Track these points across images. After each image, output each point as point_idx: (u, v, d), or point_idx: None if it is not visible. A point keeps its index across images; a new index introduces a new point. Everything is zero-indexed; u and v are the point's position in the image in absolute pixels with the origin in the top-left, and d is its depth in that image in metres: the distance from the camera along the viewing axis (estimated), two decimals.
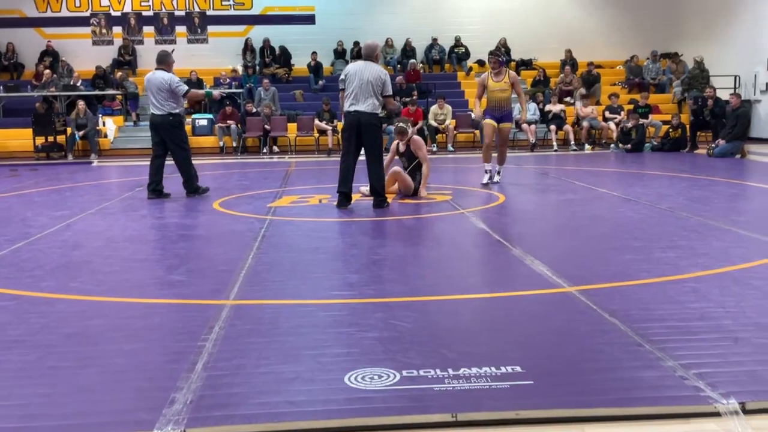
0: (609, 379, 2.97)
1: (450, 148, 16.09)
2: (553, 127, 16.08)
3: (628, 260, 5.10)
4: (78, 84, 17.25)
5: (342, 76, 7.80)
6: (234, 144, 16.30)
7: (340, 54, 19.51)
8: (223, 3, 19.74)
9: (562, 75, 18.44)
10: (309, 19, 19.83)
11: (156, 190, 8.81)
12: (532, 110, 16.12)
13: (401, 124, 8.61)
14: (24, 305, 4.23)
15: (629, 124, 15.26)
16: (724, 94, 15.35)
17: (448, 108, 16.41)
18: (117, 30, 19.44)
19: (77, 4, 19.34)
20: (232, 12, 19.79)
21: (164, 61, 8.91)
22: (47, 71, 17.38)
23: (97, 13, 19.41)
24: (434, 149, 15.83)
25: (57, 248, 5.88)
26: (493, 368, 3.03)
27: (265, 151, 16.24)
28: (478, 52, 19.75)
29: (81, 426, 2.63)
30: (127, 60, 18.97)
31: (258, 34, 19.42)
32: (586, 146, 15.85)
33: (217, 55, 19.25)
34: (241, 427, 2.60)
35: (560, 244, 5.95)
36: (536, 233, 6.56)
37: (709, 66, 17.77)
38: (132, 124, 17.48)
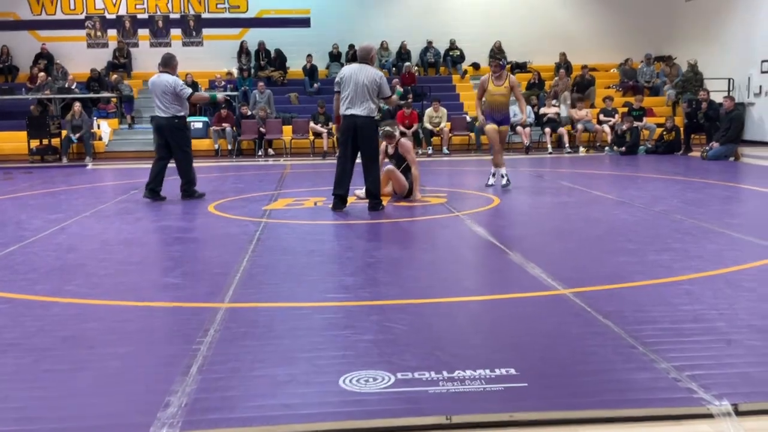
0: (602, 381, 2.98)
1: (445, 150, 16.11)
2: (547, 129, 16.13)
3: (623, 262, 5.12)
4: (73, 87, 17.21)
5: (337, 79, 7.80)
6: (229, 147, 16.29)
7: (335, 57, 19.51)
8: (218, 6, 19.73)
9: (556, 78, 18.48)
10: (304, 22, 19.82)
11: (153, 190, 8.83)
12: (528, 113, 16.13)
13: (388, 128, 8.61)
14: (19, 308, 4.23)
15: (623, 127, 15.30)
16: (717, 97, 15.38)
17: (443, 111, 16.43)
18: (112, 33, 19.38)
19: (72, 7, 19.30)
20: (227, 15, 19.76)
21: (169, 64, 8.91)
22: (42, 74, 17.34)
23: (91, 15, 19.36)
24: (429, 152, 15.86)
25: (52, 251, 5.87)
26: (487, 371, 3.05)
27: (260, 153, 16.23)
28: (473, 55, 19.82)
29: (76, 429, 2.64)
30: (122, 63, 18.93)
31: (253, 36, 19.39)
32: (581, 149, 15.89)
33: (212, 58, 19.22)
34: (236, 430, 2.60)
35: (555, 246, 5.97)
36: (531, 236, 6.58)
37: (702, 69, 17.83)
38: (127, 127, 17.44)
